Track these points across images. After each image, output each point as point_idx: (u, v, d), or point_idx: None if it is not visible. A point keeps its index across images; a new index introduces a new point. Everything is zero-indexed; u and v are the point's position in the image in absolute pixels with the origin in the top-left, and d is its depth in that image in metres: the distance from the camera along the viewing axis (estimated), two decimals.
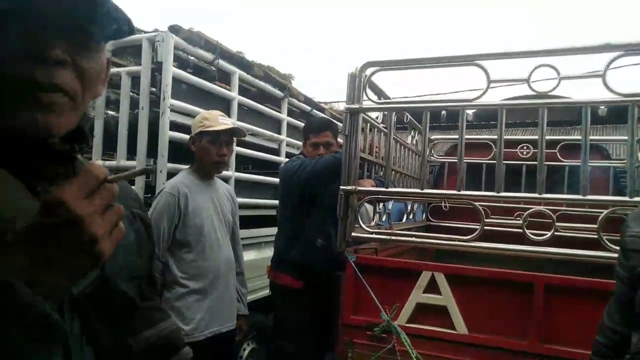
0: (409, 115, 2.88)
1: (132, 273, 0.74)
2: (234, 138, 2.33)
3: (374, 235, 2.21)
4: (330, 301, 2.38)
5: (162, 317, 0.85)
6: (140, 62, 2.47)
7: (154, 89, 2.47)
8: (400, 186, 3.04)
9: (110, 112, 2.65)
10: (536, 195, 1.89)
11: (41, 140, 0.60)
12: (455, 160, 3.34)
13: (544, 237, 1.94)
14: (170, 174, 2.40)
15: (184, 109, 2.51)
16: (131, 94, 2.54)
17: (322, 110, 4.24)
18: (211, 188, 2.31)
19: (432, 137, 3.98)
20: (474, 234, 1.95)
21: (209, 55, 2.74)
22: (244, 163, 3.58)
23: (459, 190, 1.99)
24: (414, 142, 3.53)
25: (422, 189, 2.12)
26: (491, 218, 3.25)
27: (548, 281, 1.78)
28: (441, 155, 4.37)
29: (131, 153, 2.51)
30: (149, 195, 2.54)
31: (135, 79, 2.53)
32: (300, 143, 3.82)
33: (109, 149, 2.69)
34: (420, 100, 2.18)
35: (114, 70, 2.75)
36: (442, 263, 2.20)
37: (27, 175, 0.60)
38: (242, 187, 3.08)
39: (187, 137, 2.34)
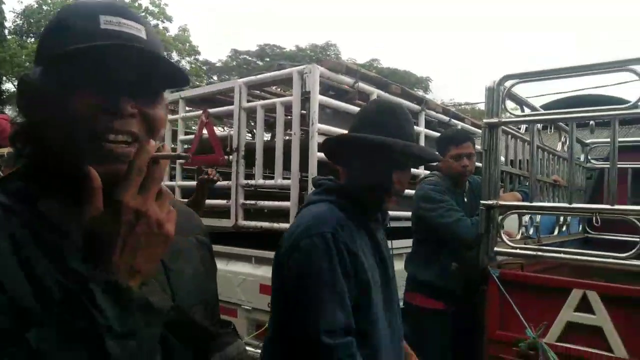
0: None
1: (203, 296, 0.81)
2: None
3: (517, 251, 2.17)
4: (473, 319, 2.37)
5: (229, 340, 0.85)
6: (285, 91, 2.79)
7: (303, 112, 2.78)
8: (550, 196, 2.89)
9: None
10: None
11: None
12: (621, 166, 3.04)
13: None
14: None
15: (330, 132, 2.78)
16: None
17: (462, 119, 4.19)
18: None
19: (588, 142, 3.65)
20: (632, 252, 1.81)
21: (349, 80, 2.98)
22: None
23: (612, 205, 1.86)
24: (565, 148, 3.29)
25: (570, 203, 2.03)
26: None
27: None
28: (601, 159, 3.96)
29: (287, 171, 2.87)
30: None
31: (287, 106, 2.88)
32: None
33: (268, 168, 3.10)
34: (565, 111, 2.07)
35: (270, 100, 3.17)
36: (595, 280, 2.08)
37: None
38: None
39: None
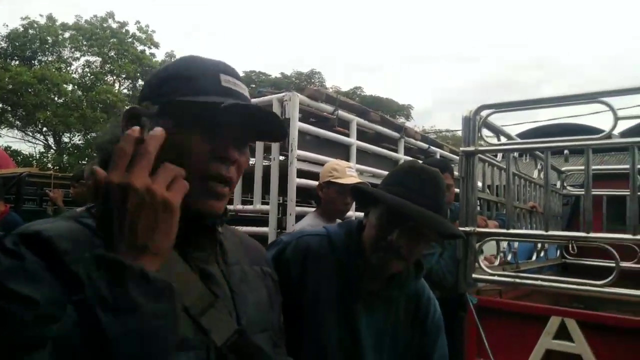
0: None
1: (265, 325, 0.84)
2: None
3: (495, 278, 2.18)
4: (451, 346, 2.35)
5: None
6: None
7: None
8: (528, 223, 2.92)
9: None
10: None
11: (201, 219, 0.75)
12: (596, 193, 3.10)
13: None
14: (298, 217, 2.66)
15: (309, 158, 2.79)
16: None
17: (440, 146, 4.25)
18: None
19: (563, 169, 3.73)
20: (608, 279, 1.82)
21: (329, 108, 3.01)
22: None
23: (588, 232, 1.88)
24: (541, 175, 3.35)
25: (546, 231, 2.05)
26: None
27: None
28: (577, 185, 4.04)
29: (265, 196, 2.85)
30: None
31: None
32: None
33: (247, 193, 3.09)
34: (540, 140, 2.12)
35: None
36: (572, 307, 2.08)
37: (180, 244, 0.70)
38: None
39: (311, 182, 2.60)
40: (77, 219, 0.70)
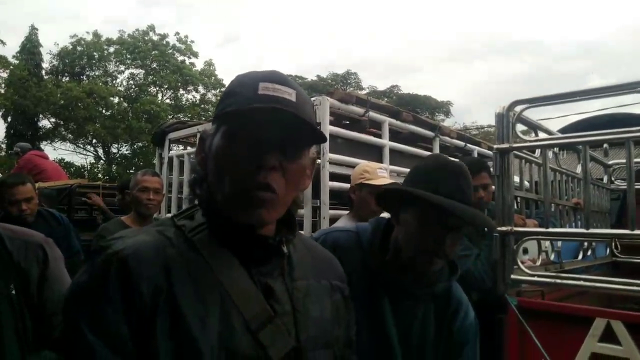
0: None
1: (328, 341, 0.83)
2: None
3: (534, 278, 2.11)
4: (490, 349, 2.30)
5: None
6: None
7: None
8: (572, 220, 2.80)
9: None
10: None
11: (259, 235, 0.77)
12: None
13: None
14: (332, 220, 2.68)
15: (341, 161, 2.80)
16: None
17: (477, 144, 4.15)
18: None
19: (610, 162, 3.55)
20: None
21: (360, 110, 3.01)
22: None
23: (632, 230, 1.79)
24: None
25: (587, 229, 1.96)
26: None
27: None
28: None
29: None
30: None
31: None
32: None
33: None
34: (576, 135, 2.04)
35: None
36: (626, 309, 1.98)
37: (247, 261, 0.77)
38: None
39: (344, 185, 2.61)
40: (159, 230, 0.77)
